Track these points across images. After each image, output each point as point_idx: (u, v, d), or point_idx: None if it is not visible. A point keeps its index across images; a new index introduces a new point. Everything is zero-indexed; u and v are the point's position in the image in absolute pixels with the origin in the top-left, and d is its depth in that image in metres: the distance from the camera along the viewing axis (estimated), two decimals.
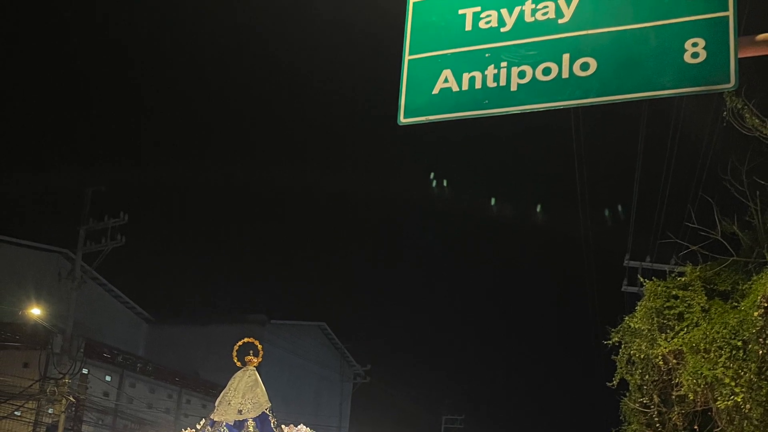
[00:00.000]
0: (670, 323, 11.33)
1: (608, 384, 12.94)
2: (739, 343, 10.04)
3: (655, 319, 11.46)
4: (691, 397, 10.80)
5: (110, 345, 32.49)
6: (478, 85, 5.87)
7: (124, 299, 38.16)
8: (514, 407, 75.70)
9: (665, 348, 11.15)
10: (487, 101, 5.84)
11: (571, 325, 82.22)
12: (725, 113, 10.89)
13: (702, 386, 10.39)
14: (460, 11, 6.13)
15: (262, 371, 10.65)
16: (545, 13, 5.85)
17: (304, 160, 68.04)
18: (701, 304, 11.19)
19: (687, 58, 5.37)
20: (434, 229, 73.52)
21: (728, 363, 10.08)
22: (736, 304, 10.84)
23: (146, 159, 62.64)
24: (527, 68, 5.76)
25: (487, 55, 5.91)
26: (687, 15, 5.46)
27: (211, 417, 9.94)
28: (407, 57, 6.18)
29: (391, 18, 6.74)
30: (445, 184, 38.16)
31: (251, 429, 9.62)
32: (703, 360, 10.39)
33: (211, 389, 33.84)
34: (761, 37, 5.52)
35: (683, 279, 11.74)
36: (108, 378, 31.26)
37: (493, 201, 40.81)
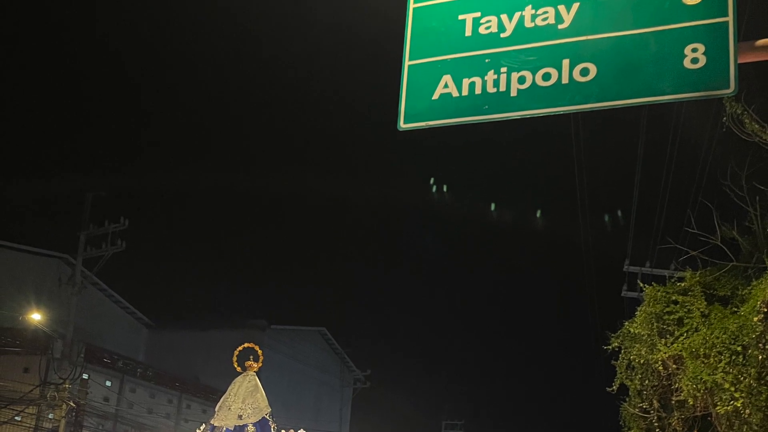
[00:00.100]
0: (669, 328, 11.33)
1: (608, 389, 12.95)
2: (739, 348, 10.05)
3: (655, 324, 11.46)
4: (691, 402, 10.80)
5: (110, 350, 32.45)
6: (478, 90, 5.88)
7: (124, 304, 38.14)
8: (513, 412, 75.53)
9: (665, 353, 11.15)
10: (487, 106, 5.85)
11: (571, 329, 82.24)
12: (725, 118, 10.91)
13: (702, 391, 10.39)
14: (460, 17, 6.14)
15: (262, 376, 10.66)
16: (545, 19, 5.86)
17: (303, 166, 68.10)
18: (701, 310, 11.20)
19: (687, 63, 5.38)
20: (434, 235, 73.44)
21: (728, 368, 10.08)
22: (735, 309, 10.84)
23: (146, 164, 62.69)
24: (527, 73, 5.77)
25: (487, 60, 5.92)
26: (686, 20, 5.47)
27: (212, 422, 9.96)
28: (407, 62, 6.19)
29: (391, 23, 6.76)
30: (445, 189, 38.21)
31: None
32: (702, 365, 10.40)
33: (211, 394, 33.82)
34: (761, 42, 5.53)
35: (683, 284, 11.74)
36: (108, 383, 31.21)
37: (493, 206, 40.81)
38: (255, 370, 10.26)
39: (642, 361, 11.90)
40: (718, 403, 10.12)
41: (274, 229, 68.01)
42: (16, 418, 25.67)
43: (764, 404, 9.63)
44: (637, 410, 12.47)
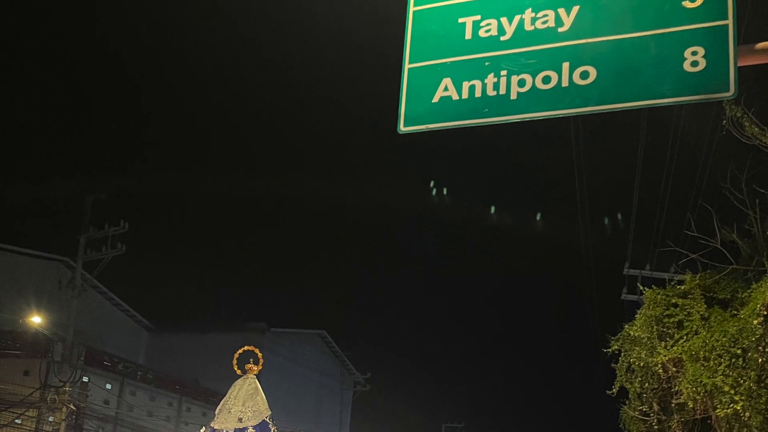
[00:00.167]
0: (669, 331, 11.33)
1: (608, 392, 12.95)
2: (739, 351, 10.04)
3: (655, 327, 11.46)
4: (691, 405, 10.80)
5: (111, 353, 32.44)
6: (477, 93, 5.88)
7: (124, 307, 38.12)
8: (514, 414, 75.52)
9: (665, 356, 11.15)
10: (486, 110, 5.85)
11: (570, 332, 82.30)
12: (725, 122, 10.90)
13: (701, 394, 10.38)
14: (460, 20, 6.14)
15: (262, 379, 10.67)
16: (545, 22, 5.86)
17: (303, 169, 68.12)
18: (701, 313, 11.19)
19: (686, 66, 5.38)
20: (434, 237, 73.44)
21: (728, 371, 10.07)
22: (735, 312, 10.84)
23: (147, 168, 62.73)
24: (527, 77, 5.77)
25: (486, 63, 5.93)
26: (686, 24, 5.47)
27: (212, 425, 9.95)
28: (407, 65, 6.20)
29: (391, 26, 6.77)
30: (445, 192, 38.22)
31: None
32: (702, 368, 10.39)
33: (211, 397, 33.77)
34: (761, 45, 5.53)
35: (683, 287, 11.73)
36: (108, 386, 31.20)
37: (493, 209, 40.86)
38: (255, 373, 10.26)
39: (642, 364, 11.90)
40: (718, 406, 10.12)
41: (274, 232, 68.11)
42: (17, 421, 25.66)
43: (764, 407, 9.62)
44: (637, 413, 12.47)
